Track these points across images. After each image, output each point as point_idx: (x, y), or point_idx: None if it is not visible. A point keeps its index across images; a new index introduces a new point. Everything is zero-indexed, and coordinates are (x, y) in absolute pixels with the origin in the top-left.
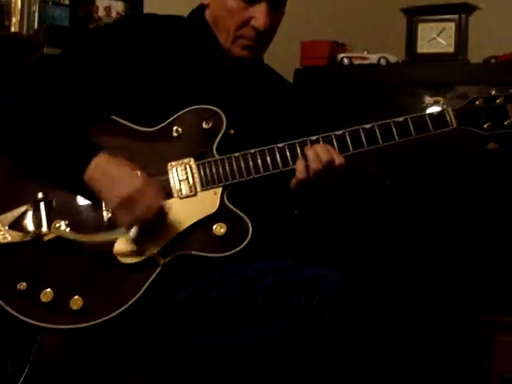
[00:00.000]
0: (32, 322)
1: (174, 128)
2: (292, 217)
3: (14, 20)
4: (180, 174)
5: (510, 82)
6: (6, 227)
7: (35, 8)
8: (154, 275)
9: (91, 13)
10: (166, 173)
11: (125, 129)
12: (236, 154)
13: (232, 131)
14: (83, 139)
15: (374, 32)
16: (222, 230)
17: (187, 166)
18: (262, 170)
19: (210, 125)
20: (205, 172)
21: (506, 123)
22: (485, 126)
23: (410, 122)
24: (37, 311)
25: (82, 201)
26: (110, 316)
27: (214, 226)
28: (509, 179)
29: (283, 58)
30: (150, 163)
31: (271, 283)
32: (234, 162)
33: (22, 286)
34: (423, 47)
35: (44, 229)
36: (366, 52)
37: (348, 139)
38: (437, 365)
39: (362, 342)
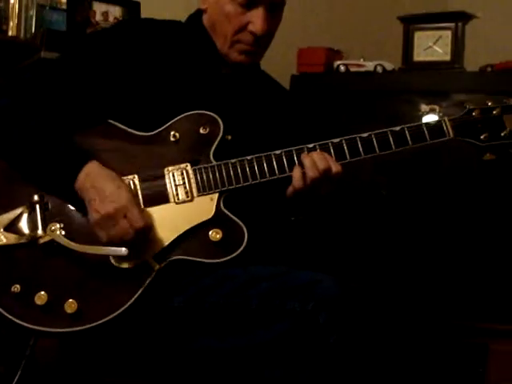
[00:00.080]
0: (26, 324)
1: (172, 133)
2: (288, 224)
3: (11, 24)
4: (177, 179)
5: (506, 91)
6: (2, 229)
7: (33, 12)
8: (148, 280)
9: (88, 17)
10: (163, 177)
11: (122, 133)
12: (233, 160)
13: (229, 137)
14: (72, 147)
15: (371, 39)
16: (218, 236)
17: (184, 171)
18: (258, 177)
19: (207, 130)
20: (201, 177)
21: (502, 134)
22: (481, 137)
23: (406, 132)
24: (31, 314)
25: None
26: (105, 320)
27: (210, 232)
28: (504, 190)
29: (280, 64)
30: (146, 167)
31: (266, 289)
32: (230, 168)
33: (16, 288)
34: (419, 55)
35: (39, 231)
36: (362, 59)
37: (345, 147)
38: (431, 372)
39: (357, 347)
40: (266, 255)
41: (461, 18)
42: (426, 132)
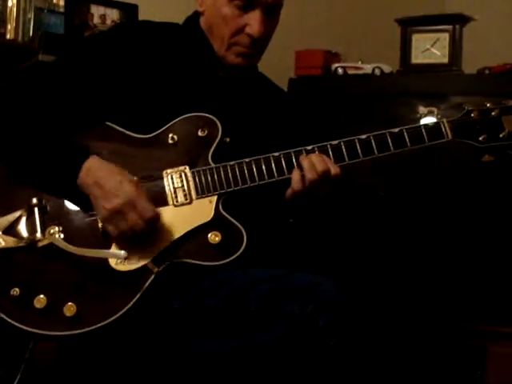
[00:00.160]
0: (25, 328)
1: (170, 135)
2: (287, 226)
3: (9, 27)
4: (175, 182)
5: (503, 93)
6: (0, 232)
7: (30, 15)
8: (147, 283)
9: (86, 20)
10: (162, 180)
11: (120, 135)
12: (231, 163)
13: (227, 139)
14: (72, 145)
15: (369, 42)
16: (217, 239)
17: (182, 174)
18: (257, 179)
19: (206, 133)
20: (200, 180)
21: (501, 135)
22: (480, 138)
23: (405, 133)
24: (30, 317)
25: (76, 206)
26: (104, 323)
27: (209, 235)
28: (503, 191)
29: (277, 67)
30: (145, 170)
31: (265, 291)
32: (229, 171)
33: (16, 291)
34: (417, 58)
35: (38, 234)
36: (360, 62)
37: (344, 149)
38: (430, 375)
39: (357, 350)
40: (265, 257)
41: (458, 21)
42: (424, 134)
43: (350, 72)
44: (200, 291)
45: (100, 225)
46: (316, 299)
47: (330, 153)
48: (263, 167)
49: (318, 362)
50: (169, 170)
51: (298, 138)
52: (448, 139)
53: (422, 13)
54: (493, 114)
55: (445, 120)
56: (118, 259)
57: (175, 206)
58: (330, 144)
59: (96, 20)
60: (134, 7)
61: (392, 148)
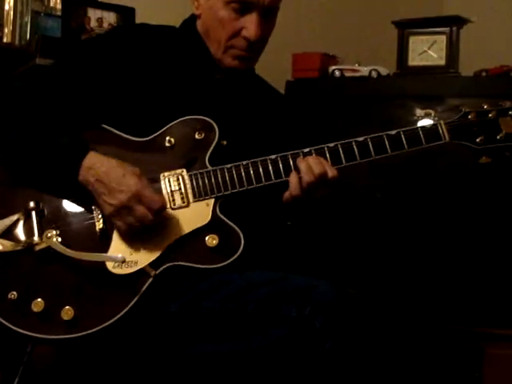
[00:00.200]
0: (23, 331)
1: (167, 138)
2: (284, 228)
3: (6, 30)
4: (172, 185)
5: (500, 95)
6: None
7: (27, 19)
8: (145, 286)
9: (83, 24)
10: (159, 183)
11: (117, 138)
12: (228, 166)
13: (224, 142)
14: (71, 141)
15: (366, 44)
16: (214, 242)
17: (180, 177)
18: (254, 182)
19: (203, 135)
20: (197, 183)
21: (498, 137)
22: (477, 140)
23: (402, 135)
24: (28, 321)
25: (73, 209)
26: (101, 327)
27: (206, 238)
28: (500, 193)
29: (275, 69)
30: (142, 173)
31: (262, 294)
32: (226, 173)
33: (13, 295)
34: (414, 60)
35: (35, 238)
36: (357, 64)
37: (341, 152)
38: (428, 377)
39: (353, 352)
40: (263, 260)
41: (455, 23)
42: (421, 136)
43: (347, 74)
44: (197, 294)
45: (97, 228)
46: (313, 301)
47: (327, 155)
48: (260, 170)
49: (314, 364)
50: (166, 173)
51: (295, 140)
52: (445, 141)
53: (419, 15)
54: (490, 115)
55: (442, 122)
56: (115, 263)
57: (172, 209)
58: (327, 146)
59: (93, 23)
60: (131, 10)
61: (389, 150)
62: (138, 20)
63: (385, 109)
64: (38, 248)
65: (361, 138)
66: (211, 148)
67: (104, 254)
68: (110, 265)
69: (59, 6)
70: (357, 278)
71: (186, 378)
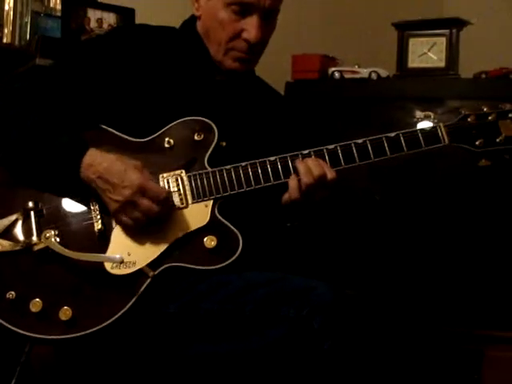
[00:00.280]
0: (21, 331)
1: (166, 139)
2: (283, 230)
3: (6, 31)
4: (171, 186)
5: (500, 97)
6: None
7: (27, 19)
8: (143, 287)
9: (83, 24)
10: (158, 184)
11: (116, 139)
12: (227, 167)
13: (224, 143)
14: (71, 139)
15: (365, 46)
16: (213, 243)
17: (178, 178)
18: (253, 183)
19: (202, 137)
20: (196, 184)
21: (497, 140)
22: (477, 142)
23: (401, 138)
24: (26, 321)
25: (72, 210)
26: (99, 327)
27: (205, 239)
28: (500, 196)
29: (274, 71)
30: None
31: (261, 295)
32: (225, 175)
33: (11, 295)
34: (414, 62)
35: (34, 238)
36: (357, 66)
37: (340, 154)
38: (427, 378)
39: (352, 353)
40: (261, 261)
41: (455, 25)
42: (421, 138)
43: (347, 76)
44: (196, 295)
45: (96, 229)
46: (311, 302)
47: (327, 157)
48: (259, 171)
49: (313, 365)
50: (165, 174)
51: (294, 142)
52: (445, 144)
53: (419, 17)
54: (489, 118)
55: (441, 124)
56: (113, 263)
57: (171, 210)
58: (327, 148)
59: (93, 24)
60: (131, 11)
61: (388, 152)
62: (138, 21)
63: (384, 111)
64: (36, 248)
65: (360, 140)
66: (210, 149)
67: (102, 255)
68: (108, 265)
69: (59, 7)
70: (355, 279)
71: (184, 378)
